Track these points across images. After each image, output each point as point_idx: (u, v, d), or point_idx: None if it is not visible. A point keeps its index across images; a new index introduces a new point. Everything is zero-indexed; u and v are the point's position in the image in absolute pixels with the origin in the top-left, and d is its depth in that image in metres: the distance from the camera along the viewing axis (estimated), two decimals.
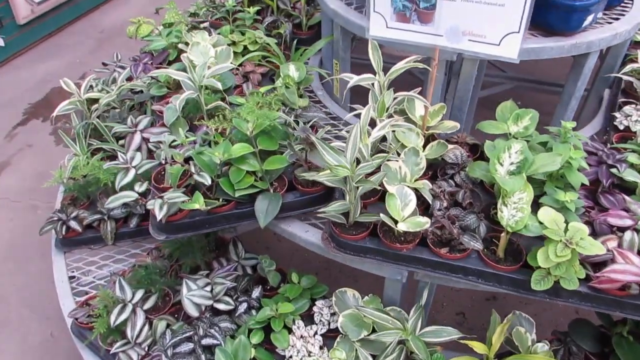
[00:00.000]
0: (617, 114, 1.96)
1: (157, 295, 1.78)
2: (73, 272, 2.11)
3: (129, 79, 2.45)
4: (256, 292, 1.79)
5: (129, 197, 1.58)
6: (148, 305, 1.74)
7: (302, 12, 2.51)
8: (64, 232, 2.06)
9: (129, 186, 1.63)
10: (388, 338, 1.50)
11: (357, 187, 1.45)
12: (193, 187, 1.66)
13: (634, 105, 1.98)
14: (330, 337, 1.71)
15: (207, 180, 1.55)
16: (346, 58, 2.12)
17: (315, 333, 1.70)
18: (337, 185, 1.48)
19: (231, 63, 2.13)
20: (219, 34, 2.35)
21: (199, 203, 1.52)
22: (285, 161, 1.60)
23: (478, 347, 1.49)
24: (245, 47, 2.27)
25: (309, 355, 1.64)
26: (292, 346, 1.65)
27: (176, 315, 1.81)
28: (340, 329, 1.62)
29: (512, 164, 1.48)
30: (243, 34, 2.38)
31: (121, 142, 2.32)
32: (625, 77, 2.06)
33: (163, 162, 1.69)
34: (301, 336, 1.68)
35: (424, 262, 1.48)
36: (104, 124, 2.35)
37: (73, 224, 2.07)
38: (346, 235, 1.52)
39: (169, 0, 3.07)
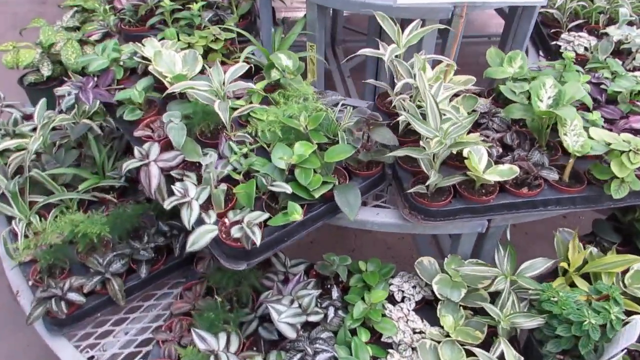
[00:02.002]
0: (560, 43, 2.24)
1: (236, 333, 1.58)
2: (88, 351, 1.76)
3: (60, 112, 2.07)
4: (335, 293, 1.70)
5: (210, 232, 1.36)
6: (234, 347, 1.55)
7: (232, 2, 2.35)
8: (65, 310, 1.70)
9: (199, 221, 1.40)
10: (500, 285, 1.57)
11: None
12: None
13: (567, 33, 2.28)
14: (418, 309, 1.71)
15: (288, 189, 1.41)
16: (321, 39, 2.06)
17: (409, 310, 1.69)
18: (421, 157, 1.47)
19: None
20: (162, 39, 2.08)
21: (297, 213, 1.38)
22: (350, 149, 1.52)
23: (564, 264, 1.64)
24: (208, 48, 2.05)
25: (415, 333, 1.63)
26: (398, 329, 1.62)
27: (254, 348, 1.64)
28: (439, 296, 1.64)
29: (549, 97, 1.62)
30: (189, 35, 2.15)
31: (84, 185, 1.99)
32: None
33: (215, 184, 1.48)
34: (398, 318, 1.65)
35: (509, 206, 1.56)
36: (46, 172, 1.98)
37: (74, 296, 1.72)
38: (434, 203, 1.53)
39: (31, 19, 2.64)
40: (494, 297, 1.65)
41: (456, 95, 1.79)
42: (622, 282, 1.65)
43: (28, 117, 2.40)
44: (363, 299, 1.69)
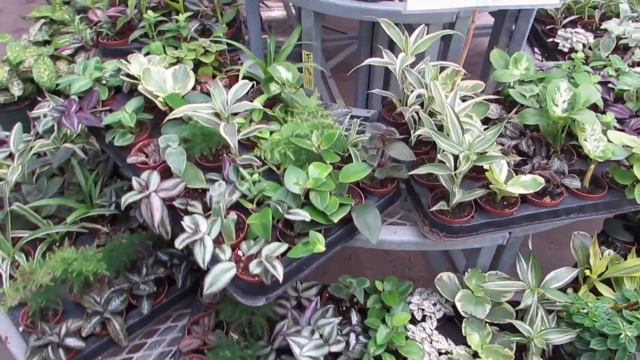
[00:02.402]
0: (557, 40, 2.20)
1: None
2: None
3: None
4: (355, 317, 1.62)
5: (228, 271, 1.25)
6: None
7: (217, 9, 2.23)
8: (63, 357, 1.57)
9: (214, 259, 1.28)
10: (527, 300, 1.51)
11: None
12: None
13: (563, 29, 2.24)
14: (439, 327, 1.65)
15: (307, 216, 1.32)
16: (318, 46, 1.96)
17: (432, 330, 1.62)
18: (442, 172, 1.40)
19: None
20: (147, 53, 1.95)
21: (319, 243, 1.28)
22: (366, 167, 1.44)
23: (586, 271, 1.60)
24: (198, 61, 1.93)
25: (441, 354, 1.56)
26: (423, 351, 1.55)
27: None
28: (463, 314, 1.57)
29: (564, 101, 1.56)
30: (176, 48, 2.02)
31: (73, 216, 1.85)
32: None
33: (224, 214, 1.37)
34: (422, 339, 1.58)
35: (532, 217, 1.51)
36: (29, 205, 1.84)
37: (72, 342, 1.59)
38: (457, 219, 1.46)
39: None
40: (517, 308, 1.60)
41: (462, 100, 1.72)
42: None
43: (0, 143, 2.23)
44: (384, 321, 1.61)
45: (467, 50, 1.61)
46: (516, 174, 1.49)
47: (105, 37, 2.22)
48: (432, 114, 1.56)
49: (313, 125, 1.46)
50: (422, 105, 1.70)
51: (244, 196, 1.46)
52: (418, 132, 1.44)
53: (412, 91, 1.64)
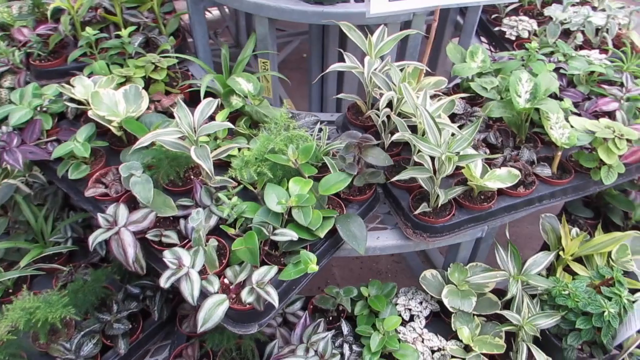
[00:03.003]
0: (503, 29, 2.25)
1: None
2: None
3: None
4: (345, 328, 1.59)
5: (221, 304, 1.17)
6: None
7: (159, 20, 2.11)
8: None
9: (202, 293, 1.20)
10: (512, 289, 1.54)
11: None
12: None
13: (508, 18, 2.29)
14: (427, 324, 1.66)
15: (294, 235, 1.27)
16: (274, 55, 1.89)
17: (422, 329, 1.62)
18: (423, 175, 1.39)
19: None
20: (90, 74, 1.82)
21: (312, 262, 1.24)
22: (346, 177, 1.41)
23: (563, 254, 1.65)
24: (148, 78, 1.81)
25: (435, 352, 1.57)
26: (417, 352, 1.55)
27: None
28: (450, 309, 1.58)
29: (526, 92, 1.60)
30: (121, 65, 1.89)
31: (27, 258, 1.70)
32: None
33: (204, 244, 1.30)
34: (414, 339, 1.58)
35: (509, 208, 1.54)
36: None
37: None
38: (439, 219, 1.46)
39: None
40: (500, 296, 1.64)
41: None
42: (610, 259, 1.70)
43: None
44: (374, 326, 1.60)
45: (430, 48, 1.61)
46: (490, 167, 1.51)
47: (37, 58, 2.04)
48: (400, 115, 1.55)
49: (286, 138, 1.41)
50: (389, 106, 1.69)
51: (221, 220, 1.39)
52: (394, 137, 1.42)
53: (380, 94, 1.62)
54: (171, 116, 1.77)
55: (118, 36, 1.90)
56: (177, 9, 2.24)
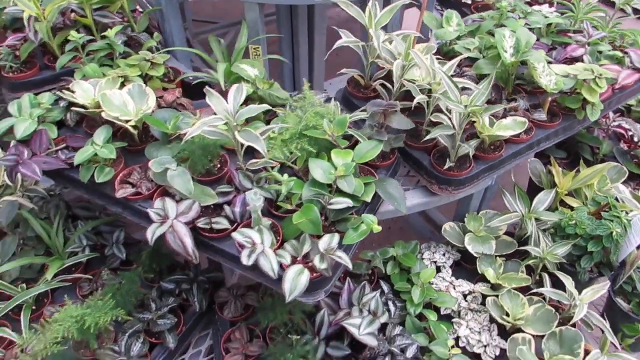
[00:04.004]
0: None
1: None
2: None
3: None
4: (385, 287, 1.69)
5: (301, 272, 1.22)
6: None
7: (130, 19, 2.07)
8: None
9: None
10: (529, 227, 1.71)
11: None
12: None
13: None
14: (453, 273, 1.80)
15: (350, 202, 1.35)
16: (264, 40, 1.92)
17: (450, 277, 1.76)
18: (448, 132, 1.50)
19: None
20: (83, 77, 1.77)
21: (374, 223, 1.32)
22: (378, 144, 1.49)
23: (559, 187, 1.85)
24: (146, 76, 1.79)
25: (467, 295, 1.71)
26: (456, 299, 1.68)
27: None
28: (474, 254, 1.73)
29: (510, 47, 1.76)
30: (111, 66, 1.85)
31: (51, 272, 1.65)
32: None
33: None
34: (446, 287, 1.72)
35: (516, 154, 1.70)
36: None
37: None
38: (462, 172, 1.59)
39: None
40: (515, 236, 1.81)
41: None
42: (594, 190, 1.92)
43: None
44: (408, 281, 1.71)
45: (423, 15, 1.72)
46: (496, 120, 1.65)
47: (9, 70, 1.94)
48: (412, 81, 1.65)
49: (316, 114, 1.47)
50: (387, 76, 1.80)
51: (267, 200, 1.44)
52: (418, 100, 1.52)
53: (377, 66, 1.72)
54: (176, 110, 1.77)
55: (103, 37, 1.86)
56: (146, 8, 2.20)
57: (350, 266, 1.27)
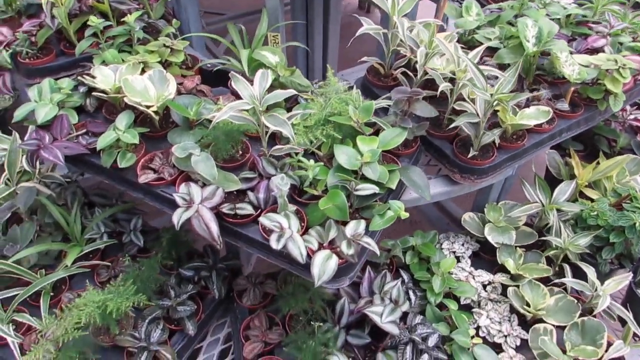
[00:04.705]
0: None
1: (342, 354, 1.49)
2: None
3: None
4: (405, 276, 1.69)
5: (330, 258, 1.22)
6: None
7: (147, 6, 2.05)
8: None
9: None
10: (551, 217, 1.70)
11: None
12: None
13: None
14: (472, 264, 1.79)
15: (376, 188, 1.34)
16: (283, 27, 1.92)
17: (469, 267, 1.75)
18: (473, 120, 1.50)
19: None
20: (102, 62, 1.76)
21: (401, 209, 1.31)
22: (402, 132, 1.48)
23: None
24: (165, 63, 1.78)
25: (486, 286, 1.71)
26: (476, 288, 1.68)
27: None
28: (495, 244, 1.72)
29: (533, 36, 1.75)
30: (129, 52, 1.84)
31: (70, 258, 1.64)
32: None
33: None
34: (466, 277, 1.71)
35: (538, 144, 1.69)
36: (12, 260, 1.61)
37: None
38: (485, 161, 1.58)
39: None
40: (534, 227, 1.80)
41: None
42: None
43: None
44: (428, 270, 1.71)
45: (446, 4, 1.71)
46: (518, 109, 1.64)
47: (26, 56, 1.93)
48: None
49: (340, 100, 1.46)
50: (406, 65, 1.79)
51: (293, 186, 1.43)
52: (442, 87, 1.51)
53: (397, 54, 1.71)
54: (195, 96, 1.76)
55: (122, 23, 1.84)
56: None
57: (377, 251, 1.26)
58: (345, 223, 1.32)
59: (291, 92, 1.38)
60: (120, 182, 1.58)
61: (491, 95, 1.43)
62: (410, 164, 1.58)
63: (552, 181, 1.98)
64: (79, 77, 1.67)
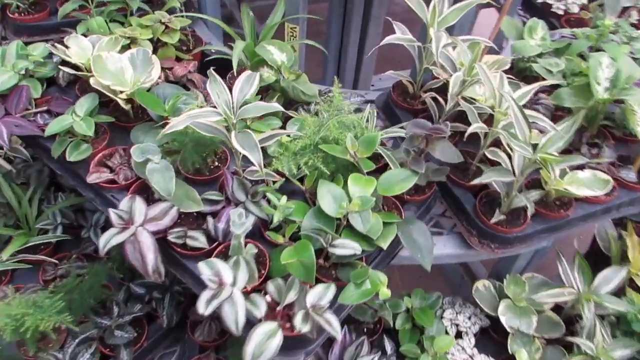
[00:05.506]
0: (549, 1, 2.01)
1: None
2: None
3: None
4: (389, 346, 1.38)
5: (273, 335, 0.93)
6: None
7: None
8: None
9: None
10: (586, 312, 1.35)
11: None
12: None
13: None
14: (477, 342, 1.46)
15: (358, 248, 1.04)
16: (304, 20, 1.62)
17: (472, 349, 1.42)
18: (504, 179, 1.16)
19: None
20: (87, 31, 1.52)
21: (382, 284, 1.01)
22: (411, 176, 1.16)
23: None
24: (158, 42, 1.52)
25: None
26: None
27: None
28: (508, 329, 1.39)
29: (606, 79, 1.38)
30: (122, 23, 1.59)
31: (11, 249, 1.42)
32: None
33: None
34: None
35: (587, 217, 1.33)
36: None
37: None
38: (513, 228, 1.24)
39: None
40: (558, 313, 1.45)
41: None
42: None
43: None
44: (419, 343, 1.39)
45: (502, 21, 1.37)
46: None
47: (15, 10, 1.70)
48: (471, 101, 1.31)
49: (340, 123, 1.16)
50: (441, 89, 1.46)
51: (261, 220, 1.15)
52: (471, 129, 1.18)
53: (432, 74, 1.38)
54: (185, 87, 1.50)
55: None
56: None
57: (339, 337, 0.96)
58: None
59: (274, 107, 1.08)
60: (72, 177, 1.34)
61: (533, 150, 1.10)
62: (418, 215, 1.27)
63: (598, 256, 1.62)
64: (49, 46, 1.43)
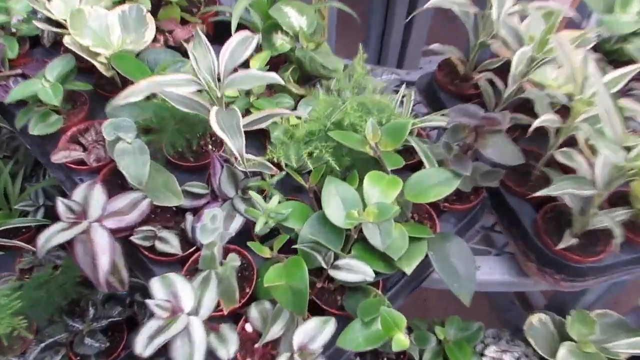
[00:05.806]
0: None
1: None
2: None
3: None
4: None
5: None
6: None
7: None
8: None
9: None
10: None
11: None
12: None
13: None
14: None
15: (370, 274, 0.76)
16: None
17: None
18: (582, 192, 0.85)
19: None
20: None
21: (398, 329, 0.73)
22: (453, 180, 0.87)
23: None
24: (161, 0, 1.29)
25: None
26: None
27: None
28: None
29: None
30: None
31: None
32: None
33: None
34: None
35: None
36: None
37: None
38: (587, 256, 0.93)
39: None
40: None
41: None
42: None
43: None
44: None
45: None
46: None
47: None
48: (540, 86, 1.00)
49: (360, 105, 0.88)
50: (501, 69, 1.15)
51: (250, 222, 0.89)
52: (538, 122, 0.87)
53: (491, 53, 1.08)
54: (186, 54, 1.25)
55: None
56: None
57: None
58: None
59: (270, 77, 0.81)
60: (41, 154, 1.13)
61: (626, 156, 0.78)
62: (457, 229, 0.97)
63: None
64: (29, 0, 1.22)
